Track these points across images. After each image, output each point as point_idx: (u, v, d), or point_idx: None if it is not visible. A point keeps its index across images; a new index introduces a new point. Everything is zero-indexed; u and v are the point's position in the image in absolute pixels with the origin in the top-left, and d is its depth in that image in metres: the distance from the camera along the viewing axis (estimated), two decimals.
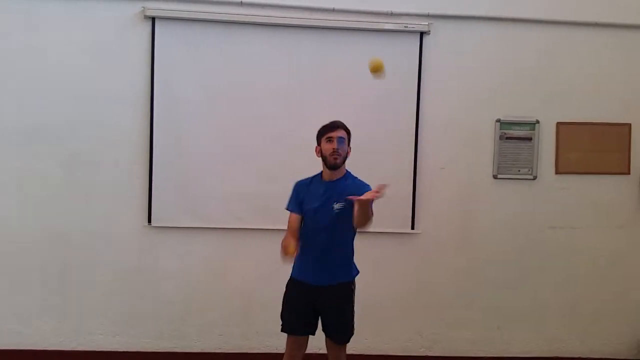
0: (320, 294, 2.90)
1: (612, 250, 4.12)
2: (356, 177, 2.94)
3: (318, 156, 2.93)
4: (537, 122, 4.05)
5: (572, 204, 4.09)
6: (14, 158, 3.83)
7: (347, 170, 2.93)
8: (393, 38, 3.91)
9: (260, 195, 3.88)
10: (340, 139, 2.84)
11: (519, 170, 4.06)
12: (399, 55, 3.92)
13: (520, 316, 4.12)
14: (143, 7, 3.79)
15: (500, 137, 4.04)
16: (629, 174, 4.10)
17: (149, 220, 3.88)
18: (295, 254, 2.79)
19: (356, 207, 2.66)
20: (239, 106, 3.88)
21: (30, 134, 3.82)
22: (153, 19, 3.79)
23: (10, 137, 3.82)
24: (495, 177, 4.06)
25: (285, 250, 2.79)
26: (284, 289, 3.06)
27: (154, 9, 3.78)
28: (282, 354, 3.86)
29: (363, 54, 3.88)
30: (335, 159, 2.83)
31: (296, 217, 2.97)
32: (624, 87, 4.07)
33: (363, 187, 2.79)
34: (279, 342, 3.93)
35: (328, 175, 2.91)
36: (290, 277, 3.03)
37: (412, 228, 4.00)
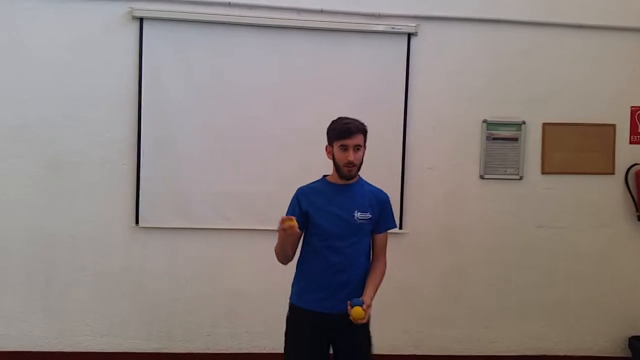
0: (336, 323, 2.46)
1: (597, 249, 4.16)
2: (368, 183, 2.66)
3: (329, 158, 2.56)
4: (523, 122, 4.08)
5: (558, 203, 4.13)
6: None
7: (359, 177, 2.63)
8: (381, 39, 3.93)
9: (249, 195, 3.88)
10: (357, 147, 2.48)
11: (506, 171, 4.09)
12: (386, 57, 3.94)
13: (506, 315, 4.15)
14: (131, 8, 3.78)
15: (487, 138, 4.07)
16: (614, 174, 4.15)
17: (137, 221, 3.87)
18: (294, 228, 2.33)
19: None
20: (228, 107, 3.87)
21: (16, 133, 3.80)
22: (141, 20, 3.78)
23: None
24: (482, 177, 4.09)
25: (283, 232, 2.37)
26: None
27: (142, 9, 3.77)
28: (270, 354, 3.88)
29: (351, 55, 3.94)
30: (350, 170, 2.48)
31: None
32: (608, 89, 4.11)
33: (382, 195, 2.61)
34: (266, 342, 3.95)
35: (342, 180, 2.55)
36: (294, 307, 2.58)
37: (400, 228, 4.01)
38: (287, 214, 2.51)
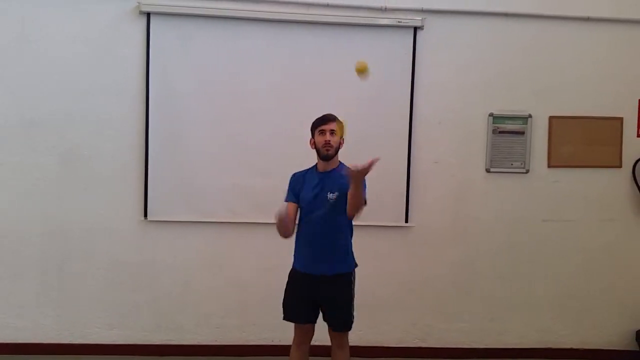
0: (320, 283, 2.97)
1: (604, 243, 4.16)
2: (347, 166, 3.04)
3: (312, 148, 3.03)
4: (530, 116, 4.08)
5: (565, 197, 4.13)
6: (10, 152, 3.86)
7: (340, 162, 3.02)
8: (387, 33, 3.93)
9: (256, 189, 3.91)
10: (332, 131, 2.94)
11: (512, 164, 4.10)
12: (392, 51, 3.95)
13: (513, 308, 4.16)
14: (138, 3, 3.80)
15: (493, 131, 4.07)
16: (621, 167, 4.14)
17: (145, 214, 3.91)
18: (286, 214, 2.88)
19: (351, 186, 2.73)
20: (235, 101, 3.90)
21: (26, 128, 3.84)
22: (148, 14, 3.81)
23: (6, 131, 3.84)
24: (488, 170, 4.09)
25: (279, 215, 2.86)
26: (286, 279, 3.11)
27: (149, 4, 3.80)
28: (278, 346, 3.92)
29: (357, 49, 3.94)
30: (328, 150, 2.95)
31: (293, 204, 3.07)
32: (616, 81, 4.09)
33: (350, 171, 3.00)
34: (275, 334, 3.98)
35: (322, 166, 3.01)
36: (293, 267, 3.10)
37: (406, 221, 4.03)
38: (286, 195, 3.09)
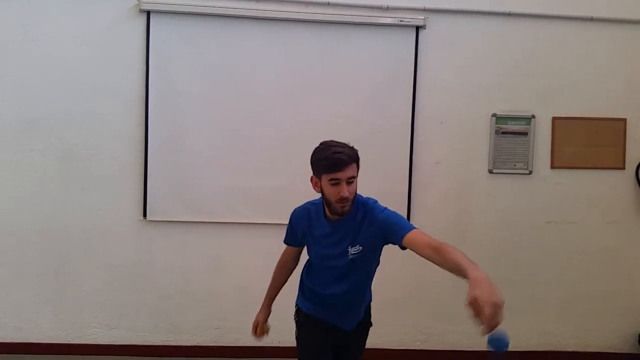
0: (337, 334, 2.48)
1: (607, 245, 4.13)
2: (364, 200, 2.31)
3: (316, 190, 2.26)
4: (533, 116, 4.05)
5: (568, 198, 4.10)
6: (9, 151, 3.83)
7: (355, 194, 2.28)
8: (389, 32, 3.90)
9: (256, 189, 3.88)
10: (350, 180, 2.14)
11: (515, 165, 4.07)
12: (394, 50, 3.91)
13: (514, 310, 4.09)
14: (138, 1, 3.77)
15: (496, 132, 4.04)
16: (624, 169, 4.10)
17: (145, 214, 3.88)
18: (265, 335, 2.64)
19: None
20: (235, 100, 3.87)
21: (26, 127, 3.82)
22: (148, 13, 3.78)
23: (5, 130, 3.82)
24: (490, 171, 4.06)
25: (253, 331, 2.64)
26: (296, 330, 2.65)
27: (149, 2, 3.76)
28: (277, 348, 3.89)
29: (359, 48, 3.93)
30: (344, 207, 2.16)
31: (293, 249, 2.58)
32: (619, 83, 4.06)
33: (375, 215, 2.23)
34: (274, 336, 3.91)
35: (334, 216, 2.28)
36: (302, 311, 2.55)
37: None
38: (285, 236, 2.55)
